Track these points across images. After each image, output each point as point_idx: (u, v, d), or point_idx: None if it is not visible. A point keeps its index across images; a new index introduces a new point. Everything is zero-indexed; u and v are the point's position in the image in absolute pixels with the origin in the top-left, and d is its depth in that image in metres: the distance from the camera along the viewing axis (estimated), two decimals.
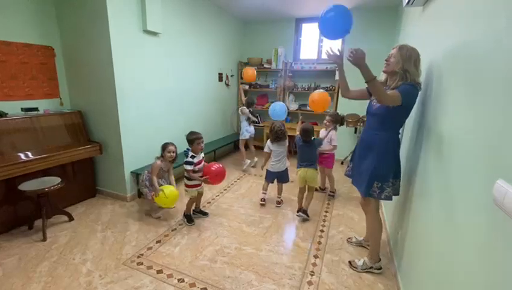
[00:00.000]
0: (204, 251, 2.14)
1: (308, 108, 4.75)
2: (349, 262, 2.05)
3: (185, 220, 2.56)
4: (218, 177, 2.43)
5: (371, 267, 1.96)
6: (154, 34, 3.01)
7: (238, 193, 3.26)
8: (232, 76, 4.95)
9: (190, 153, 2.41)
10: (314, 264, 2.03)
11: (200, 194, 2.66)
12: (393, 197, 1.81)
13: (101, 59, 2.63)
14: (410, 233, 1.74)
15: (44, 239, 2.23)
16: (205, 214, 2.70)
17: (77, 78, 2.87)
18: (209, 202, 3.00)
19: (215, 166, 2.43)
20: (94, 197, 3.06)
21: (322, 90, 3.79)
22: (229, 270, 1.93)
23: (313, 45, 4.91)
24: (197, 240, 2.28)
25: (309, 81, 4.84)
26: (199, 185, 2.52)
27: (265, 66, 4.93)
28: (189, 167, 2.39)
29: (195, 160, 2.41)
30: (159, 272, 1.90)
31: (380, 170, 1.75)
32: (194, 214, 2.66)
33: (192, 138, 2.40)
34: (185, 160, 2.40)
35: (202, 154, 2.53)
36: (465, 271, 0.98)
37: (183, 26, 3.53)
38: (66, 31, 2.78)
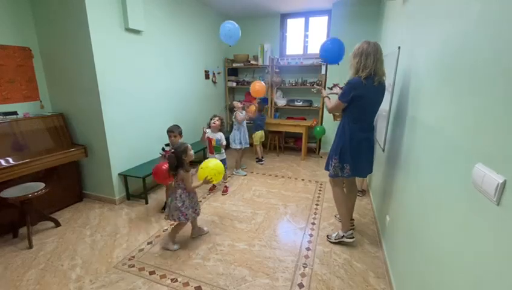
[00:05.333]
0: (197, 250, 2.13)
1: (296, 104, 4.79)
2: (327, 236, 2.29)
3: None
4: (156, 175, 2.49)
5: (343, 237, 2.18)
6: (136, 32, 2.94)
7: (229, 190, 3.26)
8: (219, 73, 4.91)
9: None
10: (306, 257, 2.05)
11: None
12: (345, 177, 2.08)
13: (82, 59, 2.55)
14: (397, 218, 1.79)
15: (30, 247, 2.16)
16: None
17: (58, 80, 2.78)
18: (200, 201, 2.98)
19: (165, 166, 2.41)
20: (81, 201, 2.98)
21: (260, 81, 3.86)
22: (222, 267, 1.93)
23: (299, 40, 4.92)
24: (189, 239, 2.27)
25: (296, 76, 4.86)
26: None
27: (252, 62, 4.90)
28: (160, 152, 2.67)
29: (167, 148, 2.63)
30: (152, 273, 1.88)
31: (334, 148, 2.08)
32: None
33: (167, 131, 2.61)
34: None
35: None
36: (449, 252, 1.02)
37: (167, 24, 3.47)
38: (44, 31, 2.67)
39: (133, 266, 1.95)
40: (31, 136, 2.51)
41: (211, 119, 3.13)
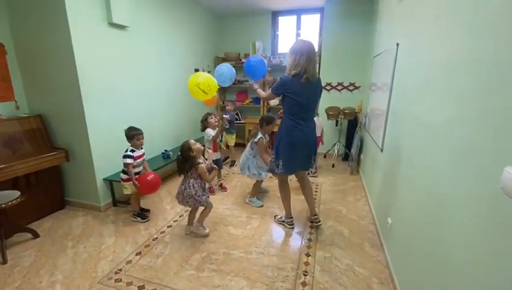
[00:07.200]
0: (190, 260, 1.98)
1: None
2: (274, 216, 2.54)
3: (138, 219, 2.53)
4: (151, 188, 2.44)
5: (284, 221, 2.42)
6: (121, 27, 2.76)
7: (222, 194, 3.12)
8: (209, 72, 4.75)
9: (130, 148, 2.42)
10: (306, 263, 1.95)
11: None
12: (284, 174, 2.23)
13: (61, 56, 2.35)
14: (401, 222, 1.72)
15: (4, 262, 1.96)
16: (146, 211, 2.67)
17: (35, 79, 2.56)
18: None
19: (151, 176, 2.42)
20: (63, 209, 2.77)
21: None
22: (218, 278, 1.80)
23: (291, 38, 4.84)
24: (182, 248, 2.12)
25: None
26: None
27: (243, 60, 4.78)
28: (129, 161, 2.36)
29: (135, 154, 2.42)
30: (141, 287, 1.72)
31: (275, 144, 2.20)
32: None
33: (132, 134, 2.40)
34: (124, 154, 2.38)
35: (143, 150, 2.53)
36: (465, 261, 0.94)
37: (154, 20, 3.30)
38: (18, 24, 2.45)
39: (120, 280, 1.79)
40: (4, 140, 2.29)
41: (206, 120, 3.01)
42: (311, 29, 4.72)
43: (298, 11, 4.63)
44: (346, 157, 4.31)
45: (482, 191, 0.90)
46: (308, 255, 2.05)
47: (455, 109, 1.13)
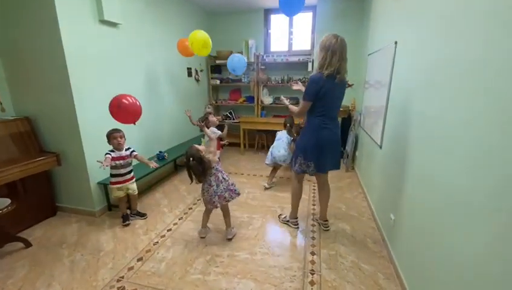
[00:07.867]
0: (194, 263, 1.94)
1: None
2: (279, 215, 2.55)
3: (121, 220, 2.50)
4: (128, 115, 2.21)
5: (288, 221, 2.42)
6: (113, 24, 2.65)
7: None
8: (201, 71, 4.68)
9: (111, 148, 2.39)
10: (312, 262, 1.95)
11: (132, 196, 2.55)
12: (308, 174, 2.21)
13: (51, 55, 2.23)
14: (407, 218, 1.74)
15: None
16: (143, 215, 2.61)
17: (21, 79, 2.42)
18: (191, 208, 2.78)
19: (131, 100, 2.19)
20: (54, 215, 2.65)
21: None
22: (225, 281, 1.77)
23: (284, 37, 4.82)
24: (184, 252, 2.07)
25: (282, 73, 4.76)
26: (121, 182, 2.42)
27: None
28: (106, 155, 2.31)
29: (113, 154, 2.34)
30: None
31: (300, 146, 2.14)
32: (131, 216, 2.57)
33: (107, 134, 2.34)
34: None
35: (127, 152, 2.42)
36: (475, 255, 0.95)
37: (146, 18, 3.20)
38: (3, 22, 2.30)
39: (123, 288, 1.72)
40: None
41: (207, 118, 3.07)
42: (303, 27, 4.72)
43: None
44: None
45: (492, 188, 0.92)
46: (313, 253, 2.05)
47: (461, 107, 1.15)
